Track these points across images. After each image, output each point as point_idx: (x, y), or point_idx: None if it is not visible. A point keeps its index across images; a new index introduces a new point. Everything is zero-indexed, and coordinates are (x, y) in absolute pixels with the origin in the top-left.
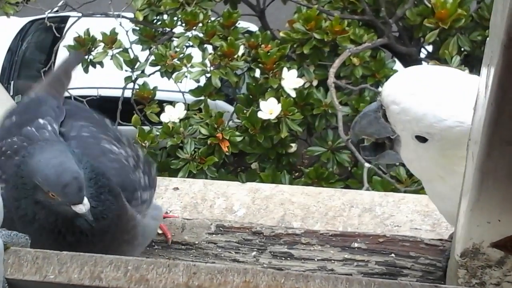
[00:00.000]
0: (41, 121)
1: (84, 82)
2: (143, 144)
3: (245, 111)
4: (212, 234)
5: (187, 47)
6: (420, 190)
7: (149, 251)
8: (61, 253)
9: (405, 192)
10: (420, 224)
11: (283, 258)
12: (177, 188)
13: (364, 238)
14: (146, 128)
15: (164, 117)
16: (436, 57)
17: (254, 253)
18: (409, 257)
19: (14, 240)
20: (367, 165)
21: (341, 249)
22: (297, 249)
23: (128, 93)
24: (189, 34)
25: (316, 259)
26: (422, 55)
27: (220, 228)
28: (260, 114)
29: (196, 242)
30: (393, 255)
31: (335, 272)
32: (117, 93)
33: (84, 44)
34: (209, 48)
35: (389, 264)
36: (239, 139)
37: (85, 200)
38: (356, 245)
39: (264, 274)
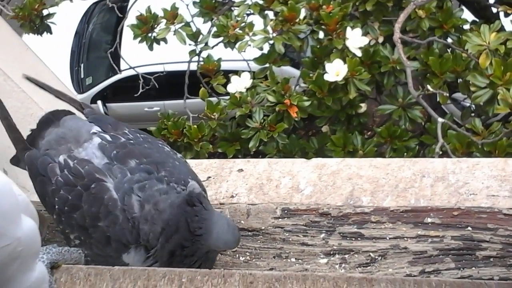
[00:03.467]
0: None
1: (150, 59)
2: (212, 116)
3: (311, 75)
4: (278, 218)
5: (248, 15)
6: (498, 142)
7: None
8: (113, 269)
9: (482, 145)
10: (497, 191)
11: (353, 239)
12: (242, 170)
13: (438, 212)
14: (214, 100)
15: (230, 88)
16: (506, 2)
17: (322, 235)
18: (487, 230)
19: (66, 256)
20: (440, 119)
21: (414, 226)
22: (367, 228)
23: (193, 67)
24: (249, 2)
25: (388, 238)
26: (491, 1)
27: (286, 212)
28: (327, 77)
29: (263, 228)
30: (469, 228)
31: (409, 250)
32: (182, 67)
33: (147, 22)
34: (270, 14)
35: (466, 238)
36: (307, 103)
37: None
38: (429, 220)
39: (324, 279)
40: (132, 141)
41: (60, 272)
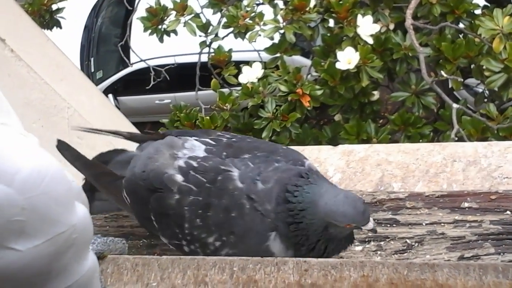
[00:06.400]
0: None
1: (161, 52)
2: (225, 107)
3: (322, 64)
4: None
5: (257, 5)
6: None
7: None
8: (161, 258)
9: (497, 130)
10: None
11: (389, 225)
12: None
13: (474, 196)
14: (226, 91)
15: (242, 78)
16: None
17: None
18: None
19: (111, 246)
20: (455, 105)
21: (451, 211)
22: (403, 214)
23: (204, 58)
24: None
25: (424, 224)
26: None
27: None
28: (339, 65)
29: None
30: (508, 212)
31: (446, 236)
32: (193, 59)
33: (156, 14)
34: (280, 3)
35: (505, 223)
36: (319, 92)
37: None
38: (466, 204)
39: (384, 266)
40: (234, 139)
41: (106, 263)
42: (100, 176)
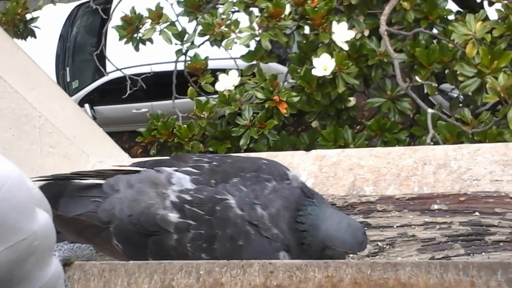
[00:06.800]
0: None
1: (137, 60)
2: (202, 116)
3: (299, 70)
4: None
5: (233, 12)
6: (488, 131)
7: None
8: (128, 263)
9: (472, 134)
10: (501, 175)
11: None
12: None
13: (444, 198)
14: (203, 99)
15: (219, 86)
16: None
17: None
18: (495, 214)
19: (78, 253)
20: (430, 110)
21: (421, 213)
22: (374, 217)
23: (180, 66)
24: None
25: (395, 226)
26: None
27: None
28: (315, 72)
29: None
30: (477, 213)
31: (417, 238)
32: (169, 67)
33: (132, 23)
34: (255, 11)
35: (474, 224)
36: (296, 99)
37: None
38: (436, 207)
39: (347, 266)
40: (215, 163)
41: (73, 269)
42: (83, 231)
